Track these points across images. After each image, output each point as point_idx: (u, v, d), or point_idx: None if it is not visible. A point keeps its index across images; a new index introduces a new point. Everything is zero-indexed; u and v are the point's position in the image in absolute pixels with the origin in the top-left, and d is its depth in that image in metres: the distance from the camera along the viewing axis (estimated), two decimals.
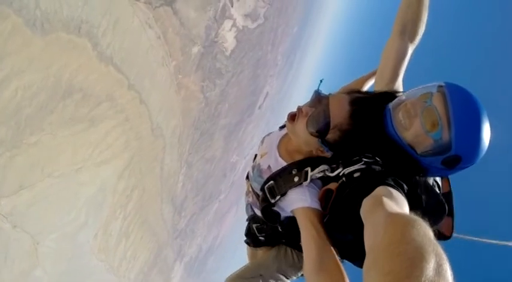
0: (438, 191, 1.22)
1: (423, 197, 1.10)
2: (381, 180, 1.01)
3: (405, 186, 1.04)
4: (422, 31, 1.48)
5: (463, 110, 1.03)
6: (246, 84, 13.72)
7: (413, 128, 1.08)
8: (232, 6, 9.96)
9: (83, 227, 6.09)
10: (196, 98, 10.43)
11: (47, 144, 4.87)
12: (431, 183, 1.19)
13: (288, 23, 17.08)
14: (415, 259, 0.50)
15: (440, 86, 1.08)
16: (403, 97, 1.16)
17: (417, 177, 1.13)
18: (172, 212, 10.65)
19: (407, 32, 1.46)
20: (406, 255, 0.52)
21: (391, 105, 1.17)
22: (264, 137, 1.58)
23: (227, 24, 10.32)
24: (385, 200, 0.84)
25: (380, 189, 0.94)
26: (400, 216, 0.69)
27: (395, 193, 0.94)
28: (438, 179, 1.26)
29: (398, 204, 0.87)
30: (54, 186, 5.10)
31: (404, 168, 1.12)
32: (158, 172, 9.24)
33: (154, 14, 7.22)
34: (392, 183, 1.00)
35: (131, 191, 7.76)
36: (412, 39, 1.47)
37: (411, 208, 0.93)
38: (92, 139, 6.35)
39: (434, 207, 1.13)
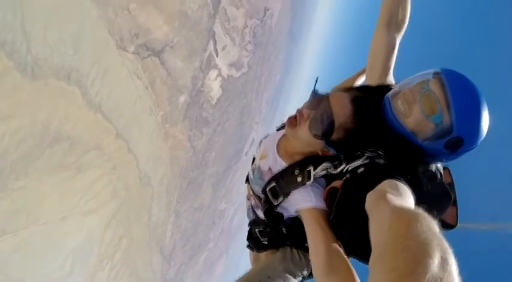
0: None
1: (428, 187, 1.10)
2: (385, 173, 1.01)
3: (410, 177, 1.04)
4: (407, 21, 1.53)
5: (461, 92, 1.06)
6: (232, 132, 13.87)
7: (414, 115, 1.10)
8: (217, 56, 10.35)
9: (68, 277, 5.75)
10: (184, 147, 10.42)
11: (32, 190, 4.74)
12: (433, 171, 1.18)
13: (270, 70, 17.75)
14: (419, 255, 0.50)
15: (436, 72, 1.11)
16: (400, 86, 1.19)
17: (421, 167, 1.14)
18: (161, 262, 10.20)
19: (393, 23, 1.51)
20: (410, 251, 0.51)
21: (389, 94, 1.19)
22: (262, 140, 1.56)
23: (212, 73, 10.64)
24: (390, 193, 0.84)
25: (384, 183, 0.94)
26: (404, 211, 0.69)
27: (400, 186, 0.94)
28: (441, 168, 1.26)
29: (403, 196, 0.87)
30: (39, 233, 4.88)
31: (408, 157, 1.13)
32: (146, 221, 8.97)
33: (142, 64, 7.44)
34: (397, 175, 1.00)
35: (119, 240, 7.46)
36: (398, 30, 1.52)
37: (416, 198, 0.93)
38: (79, 187, 6.22)
39: (439, 197, 1.13)
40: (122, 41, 6.61)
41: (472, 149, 1.10)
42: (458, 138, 1.06)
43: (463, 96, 1.05)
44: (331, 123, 1.15)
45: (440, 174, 1.21)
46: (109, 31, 6.07)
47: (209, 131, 11.67)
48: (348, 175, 1.13)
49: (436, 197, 1.12)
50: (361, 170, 1.10)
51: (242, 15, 11.13)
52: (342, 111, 1.16)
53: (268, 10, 13.42)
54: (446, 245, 0.54)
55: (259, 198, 1.38)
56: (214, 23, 9.58)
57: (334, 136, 1.16)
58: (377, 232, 0.70)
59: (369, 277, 0.54)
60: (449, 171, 1.30)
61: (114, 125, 6.90)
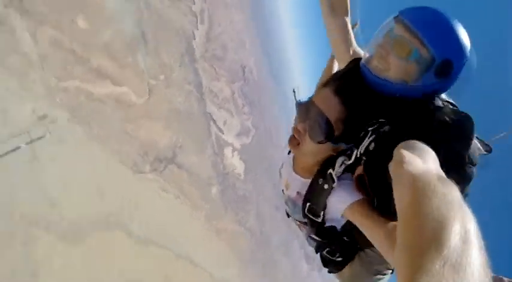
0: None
1: (445, 121, 1.07)
2: (396, 138, 0.93)
3: (422, 130, 1.02)
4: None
5: (424, 20, 1.09)
6: (272, 194, 13.61)
7: (393, 65, 1.11)
8: (223, 133, 10.42)
9: None
10: (240, 233, 10.20)
11: None
12: (441, 104, 1.14)
13: (274, 119, 18.16)
14: (436, 229, 0.48)
15: (394, 17, 1.13)
16: (369, 48, 1.21)
17: (428, 111, 1.11)
18: None
19: (336, 8, 1.56)
20: (428, 226, 0.50)
21: (363, 61, 1.20)
22: (280, 170, 1.55)
23: (227, 152, 10.73)
24: (406, 157, 0.78)
25: (398, 148, 0.86)
26: (420, 181, 0.64)
27: (415, 143, 0.87)
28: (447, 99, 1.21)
29: (420, 153, 0.81)
30: None
31: (411, 108, 1.12)
32: None
33: (163, 178, 7.44)
34: (407, 136, 0.93)
35: None
36: (343, 12, 1.55)
37: (438, 143, 0.90)
38: None
39: (461, 125, 1.08)
40: (136, 165, 6.58)
41: (464, 65, 1.08)
42: (444, 61, 1.07)
43: (428, 23, 1.09)
44: (328, 123, 1.15)
45: (450, 104, 1.20)
46: (121, 162, 6.03)
47: (252, 206, 11.64)
48: (363, 158, 1.11)
49: (458, 128, 1.08)
50: (372, 146, 1.09)
51: (225, 84, 11.39)
52: (331, 107, 1.15)
53: (245, 67, 13.89)
54: (466, 212, 0.51)
55: (305, 223, 1.37)
56: (205, 105, 9.73)
57: (336, 132, 1.16)
58: (398, 205, 0.66)
59: (394, 253, 0.53)
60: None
61: (168, 248, 6.73)
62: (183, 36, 8.72)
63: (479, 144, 1.19)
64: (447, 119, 1.08)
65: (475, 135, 1.10)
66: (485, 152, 1.21)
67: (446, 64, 1.08)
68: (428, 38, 1.06)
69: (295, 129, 1.23)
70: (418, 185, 0.63)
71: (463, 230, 0.48)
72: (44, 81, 4.72)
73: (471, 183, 1.13)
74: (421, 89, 1.12)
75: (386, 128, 1.10)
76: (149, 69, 6.88)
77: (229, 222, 9.76)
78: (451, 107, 1.17)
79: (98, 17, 6.46)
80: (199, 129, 9.15)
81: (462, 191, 1.08)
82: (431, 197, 0.57)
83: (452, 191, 0.58)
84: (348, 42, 1.53)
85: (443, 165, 0.85)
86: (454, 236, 0.46)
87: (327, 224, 1.29)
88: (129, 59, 6.50)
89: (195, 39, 9.52)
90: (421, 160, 0.78)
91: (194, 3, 9.63)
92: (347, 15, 1.56)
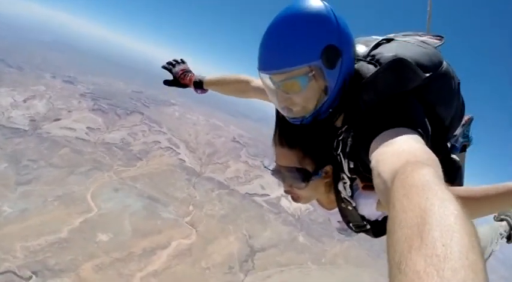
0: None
1: (376, 77, 1.05)
2: (364, 139, 0.99)
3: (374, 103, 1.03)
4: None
5: (270, 52, 1.07)
6: None
7: (302, 100, 1.11)
8: (269, 195, 10.52)
9: None
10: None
11: None
12: (374, 70, 1.09)
13: None
14: (416, 227, 0.46)
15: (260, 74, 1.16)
16: (276, 107, 1.26)
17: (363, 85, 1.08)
18: None
19: (238, 90, 1.77)
20: (408, 224, 0.47)
21: (287, 118, 1.23)
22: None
23: (284, 203, 10.76)
24: (378, 159, 0.82)
25: (372, 151, 0.91)
26: (395, 184, 0.63)
27: (382, 136, 0.91)
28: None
29: (388, 148, 0.84)
30: None
31: (351, 99, 1.10)
32: None
33: (259, 270, 7.44)
34: (371, 126, 0.98)
35: None
36: (241, 88, 1.75)
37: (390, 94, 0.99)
38: None
39: (389, 66, 1.05)
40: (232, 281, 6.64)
41: (333, 28, 1.04)
42: (324, 51, 1.02)
43: (272, 53, 1.06)
44: (297, 170, 1.25)
45: (377, 62, 1.12)
46: None
47: None
48: (354, 176, 1.15)
49: (387, 69, 1.04)
50: (351, 164, 1.11)
51: (234, 163, 11.62)
52: (287, 157, 1.27)
53: (235, 138, 14.19)
54: (441, 197, 0.49)
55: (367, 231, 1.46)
56: (238, 191, 9.89)
57: (308, 166, 1.24)
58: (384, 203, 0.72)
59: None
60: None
61: None
62: (176, 169, 9.28)
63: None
64: (374, 75, 1.05)
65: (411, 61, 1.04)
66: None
67: (329, 49, 1.03)
68: (287, 62, 1.03)
69: (286, 191, 1.38)
70: (396, 188, 0.60)
71: (440, 219, 0.45)
72: None
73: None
74: (339, 84, 1.09)
75: (351, 134, 1.10)
76: (177, 214, 7.38)
77: (333, 247, 9.61)
78: (372, 59, 1.11)
79: None
80: (251, 210, 9.39)
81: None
82: (408, 194, 0.54)
83: (426, 175, 0.57)
84: (260, 89, 1.56)
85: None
86: (432, 230, 0.43)
87: (373, 219, 1.34)
88: (158, 221, 7.09)
89: (185, 162, 10.09)
90: (391, 156, 0.78)
91: (160, 142, 10.30)
92: (243, 84, 1.73)
